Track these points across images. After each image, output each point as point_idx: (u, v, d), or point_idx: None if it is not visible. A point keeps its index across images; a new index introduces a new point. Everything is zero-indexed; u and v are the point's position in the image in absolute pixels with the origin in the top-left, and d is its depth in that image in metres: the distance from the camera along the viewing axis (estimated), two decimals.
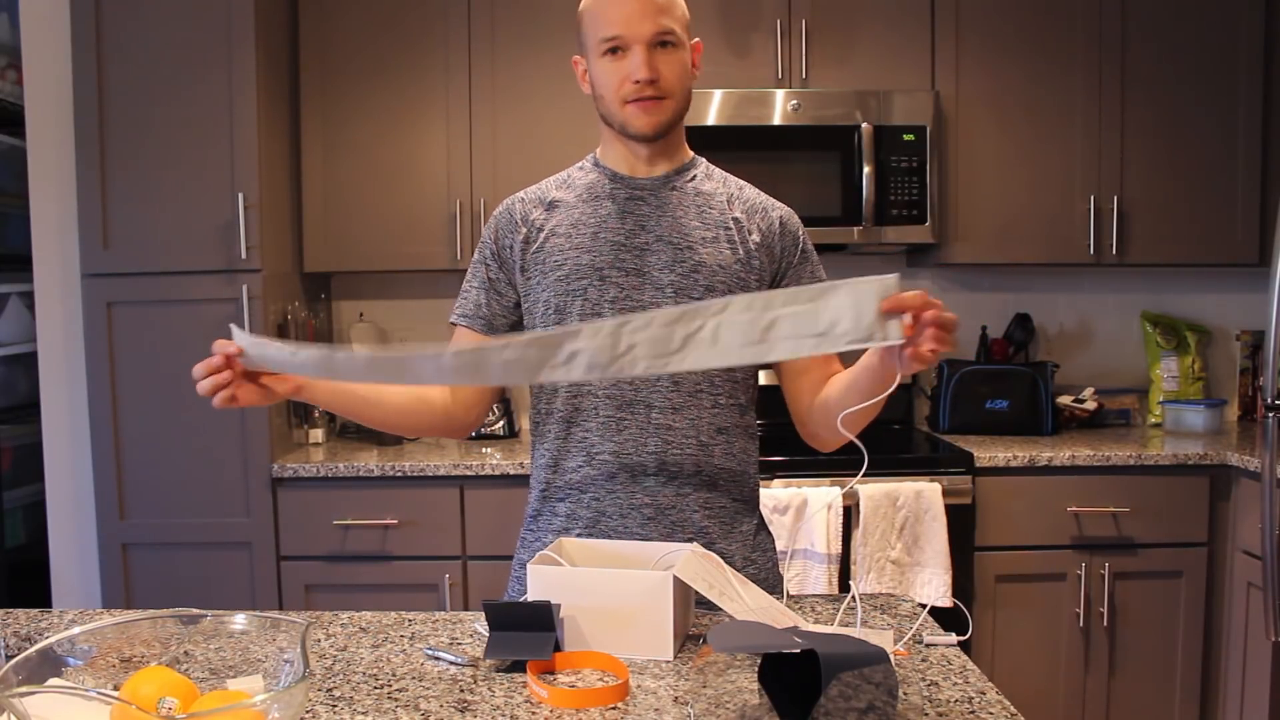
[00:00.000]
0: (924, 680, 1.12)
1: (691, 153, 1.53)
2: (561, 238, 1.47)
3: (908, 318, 1.11)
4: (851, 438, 1.28)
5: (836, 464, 2.62)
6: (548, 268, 1.46)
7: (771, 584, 1.51)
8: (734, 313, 1.14)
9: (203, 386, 1.27)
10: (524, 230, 1.49)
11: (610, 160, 1.50)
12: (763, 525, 1.55)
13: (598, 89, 1.44)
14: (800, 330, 1.13)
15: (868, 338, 1.12)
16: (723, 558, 1.45)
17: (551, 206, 1.50)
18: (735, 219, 1.47)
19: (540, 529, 1.50)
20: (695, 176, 1.50)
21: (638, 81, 1.38)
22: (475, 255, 1.54)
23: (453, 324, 1.54)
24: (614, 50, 1.39)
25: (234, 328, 1.29)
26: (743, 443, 1.50)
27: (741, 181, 1.54)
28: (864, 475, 2.61)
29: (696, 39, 1.46)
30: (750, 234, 1.47)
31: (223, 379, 1.26)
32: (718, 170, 1.54)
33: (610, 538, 1.44)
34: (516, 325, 1.54)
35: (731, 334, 1.15)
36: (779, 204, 1.53)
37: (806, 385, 1.48)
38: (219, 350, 1.26)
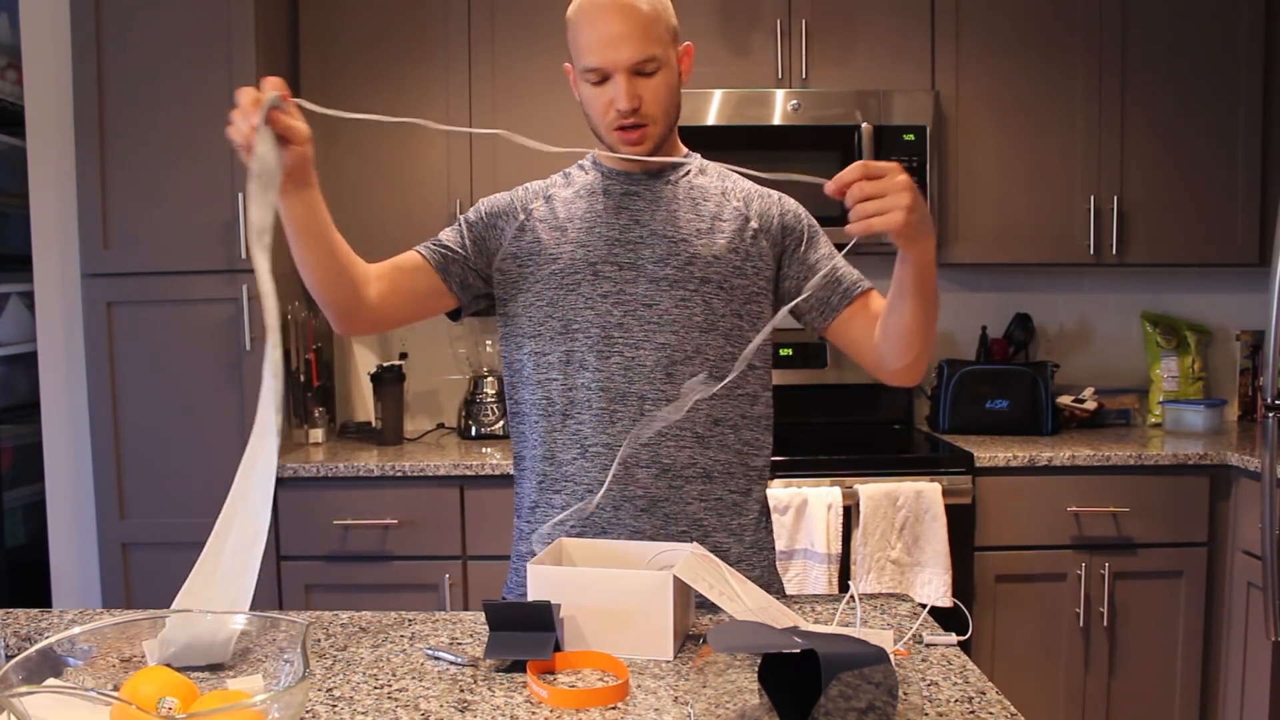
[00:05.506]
0: (924, 680, 1.12)
1: (685, 149, 1.55)
2: (557, 231, 1.48)
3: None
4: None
5: (836, 464, 2.63)
6: (541, 261, 1.47)
7: (768, 583, 1.51)
8: None
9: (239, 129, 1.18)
10: (521, 217, 1.51)
11: (605, 159, 1.52)
12: (764, 520, 1.53)
13: (585, 109, 1.45)
14: None
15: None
16: (718, 552, 1.45)
17: (550, 200, 1.52)
18: (735, 208, 1.49)
19: (537, 521, 1.50)
20: (690, 171, 1.52)
21: (620, 110, 1.39)
22: (461, 216, 1.53)
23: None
24: (596, 78, 1.40)
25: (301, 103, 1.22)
26: (748, 434, 1.49)
27: (735, 173, 1.54)
28: (864, 475, 2.63)
29: (687, 43, 1.47)
30: (750, 221, 1.49)
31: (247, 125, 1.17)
32: (712, 165, 1.56)
33: (605, 530, 1.44)
34: (467, 287, 1.50)
35: None
36: (774, 190, 1.54)
37: (858, 331, 1.47)
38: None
